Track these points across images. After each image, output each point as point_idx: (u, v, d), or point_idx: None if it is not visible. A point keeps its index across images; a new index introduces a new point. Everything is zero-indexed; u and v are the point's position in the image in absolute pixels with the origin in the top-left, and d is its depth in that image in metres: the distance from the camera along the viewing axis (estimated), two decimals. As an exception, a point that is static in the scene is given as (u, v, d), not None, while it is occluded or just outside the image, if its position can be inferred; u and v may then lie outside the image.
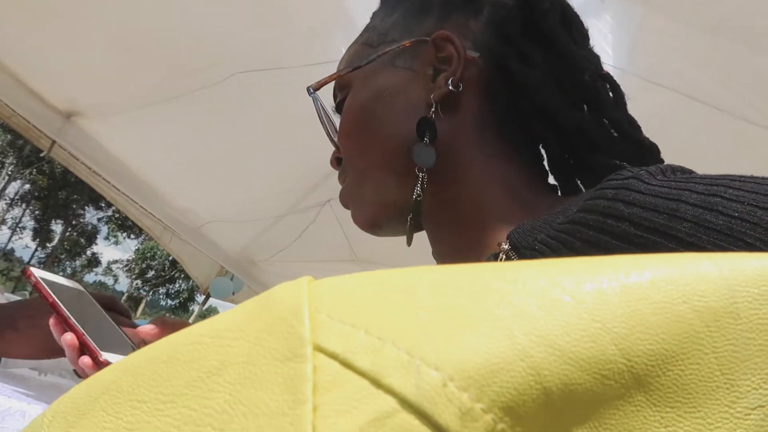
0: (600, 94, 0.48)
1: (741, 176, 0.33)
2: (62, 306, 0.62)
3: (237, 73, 2.25)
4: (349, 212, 0.55)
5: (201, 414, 0.14)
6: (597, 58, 0.51)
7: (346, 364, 0.13)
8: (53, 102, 2.47)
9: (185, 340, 0.16)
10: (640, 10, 1.76)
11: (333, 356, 0.14)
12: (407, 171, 0.49)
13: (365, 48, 0.54)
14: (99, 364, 0.59)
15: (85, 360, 0.59)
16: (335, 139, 0.56)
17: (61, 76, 2.39)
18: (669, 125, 1.87)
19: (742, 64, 1.71)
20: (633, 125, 0.48)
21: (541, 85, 0.47)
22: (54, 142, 2.54)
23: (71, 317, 0.62)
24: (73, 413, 0.16)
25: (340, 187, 0.56)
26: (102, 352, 0.60)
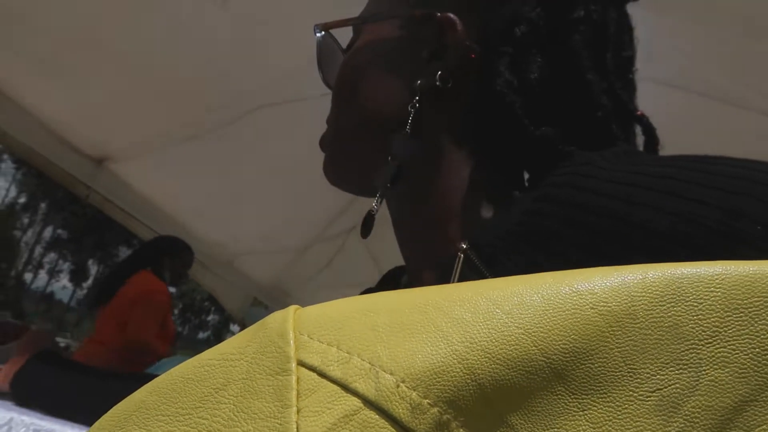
0: (615, 138, 0.42)
1: (696, 156, 0.32)
2: None
3: (259, 107, 2.33)
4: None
5: (212, 422, 0.18)
6: (631, 91, 0.45)
7: (322, 374, 0.17)
8: (85, 149, 2.58)
9: (198, 363, 0.19)
10: (651, 15, 1.77)
11: (312, 368, 0.17)
12: (375, 150, 0.47)
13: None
14: None
15: None
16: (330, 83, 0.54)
17: (90, 123, 2.50)
18: (689, 127, 1.88)
19: (758, 59, 1.70)
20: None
21: (512, 101, 0.43)
22: (89, 188, 2.64)
23: None
24: (113, 427, 0.20)
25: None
26: None
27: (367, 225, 0.46)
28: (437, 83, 0.44)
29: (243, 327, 4.18)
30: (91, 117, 2.46)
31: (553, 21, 0.44)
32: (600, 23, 0.44)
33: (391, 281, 0.60)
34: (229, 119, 2.40)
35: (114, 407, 0.21)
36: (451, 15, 0.45)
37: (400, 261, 0.58)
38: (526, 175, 0.48)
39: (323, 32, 0.53)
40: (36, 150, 2.48)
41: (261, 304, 3.84)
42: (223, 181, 2.86)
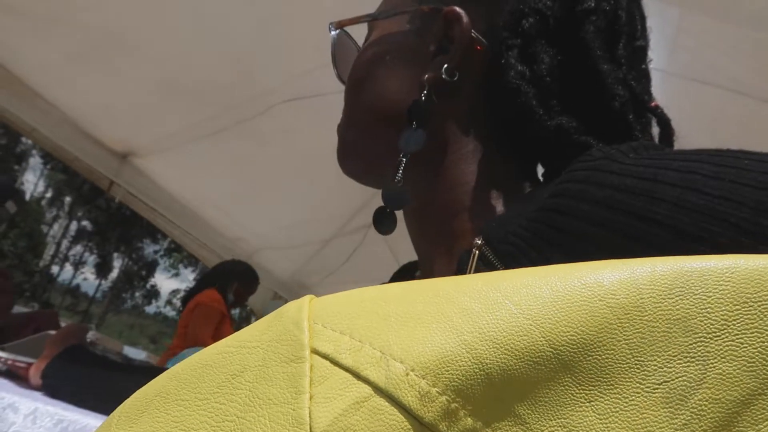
0: (632, 129, 0.42)
1: (718, 150, 0.31)
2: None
3: (281, 103, 2.35)
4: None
5: (228, 407, 0.18)
6: (645, 82, 0.45)
7: (335, 362, 0.17)
8: (110, 144, 2.63)
9: (216, 351, 0.20)
10: (677, 11, 1.75)
11: (325, 356, 0.18)
12: (384, 143, 0.47)
13: None
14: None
15: None
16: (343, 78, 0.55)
17: (115, 119, 2.55)
18: (717, 122, 1.85)
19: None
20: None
21: (527, 91, 0.42)
22: (112, 181, 2.69)
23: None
24: (134, 412, 0.20)
25: None
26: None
27: (380, 219, 0.46)
28: (444, 76, 0.44)
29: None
30: (116, 113, 2.51)
31: (563, 11, 0.44)
32: (611, 12, 0.43)
33: (405, 275, 0.61)
34: (251, 115, 2.42)
35: (135, 393, 0.21)
36: (457, 8, 0.45)
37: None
38: (540, 169, 0.48)
39: (338, 30, 0.54)
40: (62, 145, 2.53)
41: (281, 299, 3.87)
42: (244, 177, 2.89)
